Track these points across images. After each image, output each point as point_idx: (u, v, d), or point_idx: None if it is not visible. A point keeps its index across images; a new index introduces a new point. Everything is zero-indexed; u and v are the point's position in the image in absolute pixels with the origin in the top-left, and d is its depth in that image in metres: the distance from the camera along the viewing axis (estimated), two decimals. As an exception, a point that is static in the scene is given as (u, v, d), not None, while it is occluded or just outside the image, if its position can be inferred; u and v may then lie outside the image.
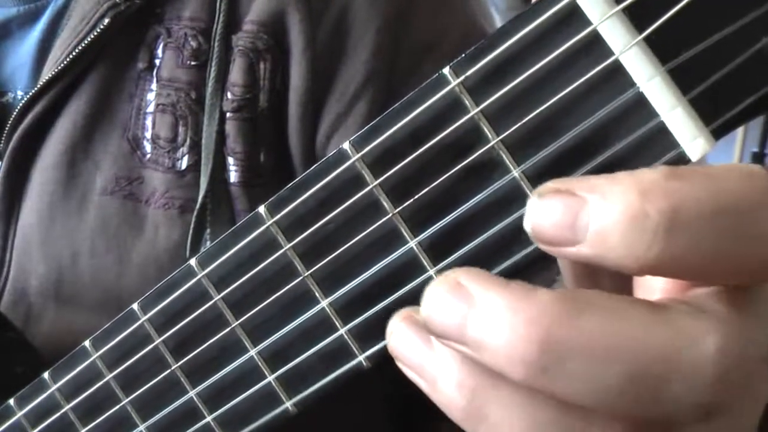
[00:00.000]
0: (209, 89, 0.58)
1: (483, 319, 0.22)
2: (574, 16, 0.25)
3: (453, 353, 0.24)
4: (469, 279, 0.23)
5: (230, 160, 0.58)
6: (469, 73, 0.27)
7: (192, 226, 0.58)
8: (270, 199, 0.31)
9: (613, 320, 0.22)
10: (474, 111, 0.27)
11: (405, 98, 0.28)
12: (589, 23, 0.25)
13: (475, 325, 0.22)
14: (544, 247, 0.23)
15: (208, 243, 0.58)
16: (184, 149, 0.59)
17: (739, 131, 2.73)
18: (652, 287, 0.27)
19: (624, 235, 0.22)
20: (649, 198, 0.22)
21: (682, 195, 0.22)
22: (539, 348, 0.22)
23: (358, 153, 0.29)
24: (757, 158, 2.82)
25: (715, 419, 0.23)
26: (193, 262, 0.33)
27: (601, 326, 0.22)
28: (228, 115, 0.58)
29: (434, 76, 0.27)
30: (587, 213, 0.22)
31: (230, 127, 0.58)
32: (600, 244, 0.22)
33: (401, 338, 0.26)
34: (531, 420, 0.23)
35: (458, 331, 0.23)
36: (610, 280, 0.29)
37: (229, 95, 0.58)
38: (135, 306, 0.35)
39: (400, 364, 0.26)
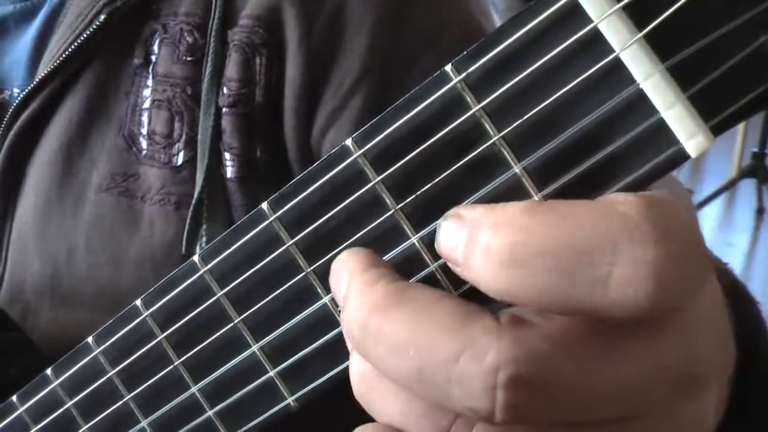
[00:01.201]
0: (205, 84, 0.58)
1: (346, 297, 0.27)
2: (575, 14, 0.25)
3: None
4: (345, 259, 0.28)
5: (226, 155, 0.59)
6: (470, 70, 0.27)
7: (188, 221, 0.58)
8: (273, 196, 0.31)
9: (416, 318, 0.25)
10: (476, 108, 0.27)
11: (407, 95, 0.28)
12: (589, 21, 0.25)
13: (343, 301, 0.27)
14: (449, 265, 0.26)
15: (204, 239, 0.58)
16: (180, 145, 0.59)
17: (739, 131, 2.74)
18: None
19: (477, 264, 0.24)
20: (498, 231, 0.24)
21: (526, 231, 0.23)
22: (359, 328, 0.26)
23: (360, 149, 0.29)
24: (757, 158, 2.84)
25: None
26: (195, 258, 0.33)
27: (405, 321, 0.25)
28: (224, 110, 0.58)
29: (436, 74, 0.27)
30: (462, 239, 0.25)
31: (226, 123, 0.58)
32: (467, 269, 0.25)
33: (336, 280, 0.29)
34: (403, 409, 0.26)
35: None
36: None
37: (225, 90, 0.58)
38: (138, 302, 0.35)
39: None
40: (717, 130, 0.25)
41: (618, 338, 0.24)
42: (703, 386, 0.26)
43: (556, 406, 0.24)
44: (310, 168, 0.30)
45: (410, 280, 0.29)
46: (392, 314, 0.25)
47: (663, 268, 0.22)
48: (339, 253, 0.30)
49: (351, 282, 0.27)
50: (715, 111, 0.25)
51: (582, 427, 0.25)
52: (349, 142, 0.29)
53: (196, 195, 0.58)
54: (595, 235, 0.23)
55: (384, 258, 0.30)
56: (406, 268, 0.29)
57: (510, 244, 0.23)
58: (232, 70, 0.58)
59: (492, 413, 0.23)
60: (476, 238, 0.24)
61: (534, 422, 0.24)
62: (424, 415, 0.26)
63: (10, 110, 0.61)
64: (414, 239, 0.29)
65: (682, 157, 0.25)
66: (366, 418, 0.28)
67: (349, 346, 0.28)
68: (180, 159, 0.59)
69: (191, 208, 0.58)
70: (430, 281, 0.29)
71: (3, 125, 0.62)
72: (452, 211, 0.26)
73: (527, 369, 0.23)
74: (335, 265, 0.28)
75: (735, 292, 0.34)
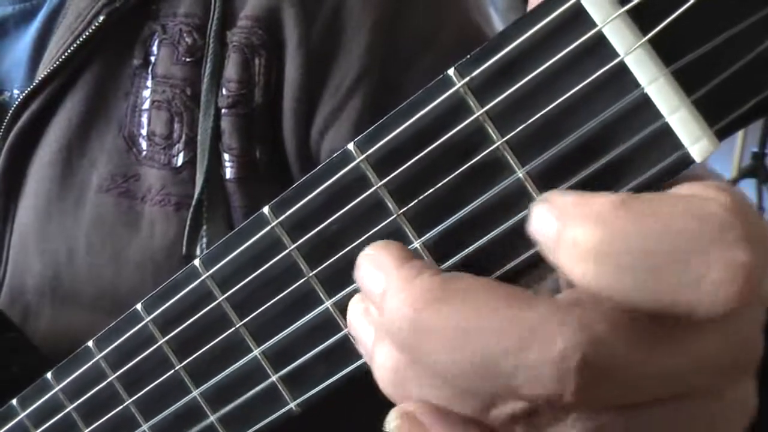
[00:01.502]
0: (204, 85, 0.58)
1: (386, 294, 0.25)
2: (579, 18, 0.25)
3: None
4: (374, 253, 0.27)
5: (226, 156, 0.58)
6: (474, 74, 0.27)
7: (188, 222, 0.58)
8: (274, 200, 0.31)
9: (470, 309, 0.24)
10: (479, 112, 0.27)
11: (409, 99, 0.28)
12: (594, 25, 0.25)
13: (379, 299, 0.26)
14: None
15: (205, 239, 0.58)
16: (180, 146, 0.59)
17: (740, 131, 2.73)
18: None
19: (568, 254, 0.23)
20: (589, 224, 0.23)
21: (619, 226, 0.23)
22: (408, 324, 0.25)
23: (362, 154, 0.29)
24: (757, 158, 2.83)
25: None
26: (197, 262, 0.33)
27: (459, 313, 0.24)
28: (223, 111, 0.58)
29: (439, 77, 0.27)
30: (552, 229, 0.24)
31: (225, 123, 0.58)
32: (560, 258, 0.24)
33: (351, 316, 0.29)
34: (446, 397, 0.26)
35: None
36: None
37: (224, 91, 0.58)
38: (138, 306, 0.35)
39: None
40: (722, 134, 0.25)
41: (677, 325, 0.24)
42: (749, 371, 0.26)
43: (621, 388, 0.24)
44: (311, 172, 0.30)
45: None
46: (444, 307, 0.24)
47: (754, 271, 0.22)
48: (341, 258, 0.30)
49: (389, 278, 0.26)
50: (719, 115, 0.25)
51: (639, 407, 0.25)
52: (351, 146, 0.29)
53: (195, 196, 0.58)
54: (688, 235, 0.23)
55: None
56: None
57: (599, 241, 0.23)
58: (231, 71, 0.57)
59: (561, 398, 0.23)
60: (564, 229, 0.24)
61: (601, 404, 0.24)
62: (468, 400, 0.26)
63: (10, 111, 0.61)
64: (416, 244, 0.29)
65: (686, 161, 0.25)
66: (370, 419, 0.28)
67: (364, 342, 0.28)
68: (180, 160, 0.59)
69: (191, 209, 0.58)
70: None
71: (3, 126, 0.62)
72: (543, 195, 0.25)
73: (596, 352, 0.23)
74: (363, 261, 0.27)
75: None
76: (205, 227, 0.58)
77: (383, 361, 0.27)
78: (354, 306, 0.29)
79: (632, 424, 0.25)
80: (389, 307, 0.25)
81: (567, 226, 0.24)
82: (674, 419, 0.25)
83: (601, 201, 0.23)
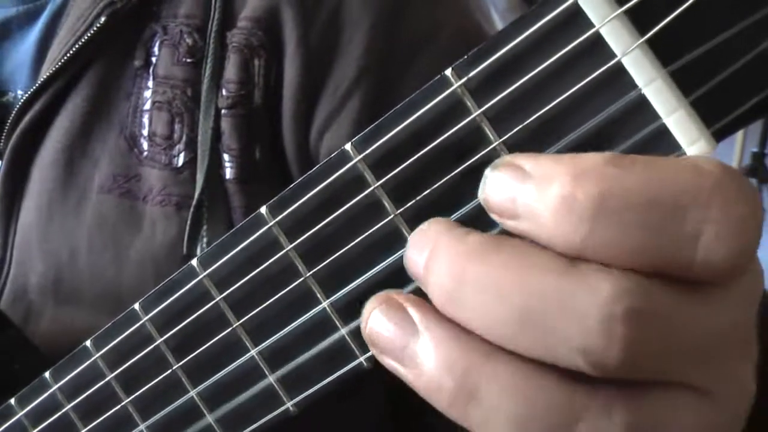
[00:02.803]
0: (205, 86, 0.58)
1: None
2: (577, 18, 0.25)
3: (441, 332, 0.25)
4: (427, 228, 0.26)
5: (225, 156, 0.58)
6: (471, 74, 0.27)
7: (189, 222, 0.58)
8: (271, 200, 0.31)
9: (520, 261, 0.24)
10: (476, 113, 0.27)
11: (407, 99, 0.28)
12: (591, 25, 0.25)
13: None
14: (493, 217, 0.25)
15: (205, 239, 0.58)
16: (181, 146, 0.59)
17: (739, 132, 2.73)
18: None
19: (553, 215, 0.23)
20: (582, 182, 0.22)
21: (615, 182, 0.22)
22: (454, 279, 0.24)
23: (360, 154, 0.29)
24: (757, 158, 2.83)
25: (665, 393, 0.24)
26: (194, 262, 0.33)
27: (508, 265, 0.24)
28: (223, 111, 0.58)
29: (436, 78, 0.27)
30: (528, 189, 0.23)
31: (225, 124, 0.58)
32: (533, 221, 0.23)
33: (381, 323, 0.27)
34: (527, 401, 0.24)
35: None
36: None
37: (223, 92, 0.58)
38: (136, 306, 0.35)
39: (376, 352, 0.27)
40: (719, 136, 0.25)
41: (696, 290, 0.24)
42: (751, 353, 0.26)
43: (667, 349, 0.23)
44: (309, 172, 0.30)
45: (410, 286, 0.29)
46: (493, 258, 0.24)
47: (749, 225, 0.22)
48: (338, 258, 0.30)
49: (438, 240, 0.25)
50: (717, 116, 0.25)
51: (670, 388, 0.24)
52: (348, 146, 0.29)
53: (196, 196, 0.58)
54: (687, 190, 0.22)
55: (383, 264, 0.29)
56: (406, 273, 0.29)
57: (597, 196, 0.22)
58: (231, 71, 0.58)
59: (607, 353, 0.22)
60: (548, 189, 0.23)
61: (646, 372, 0.23)
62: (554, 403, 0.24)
63: (14, 112, 0.61)
64: (414, 244, 0.29)
65: (684, 162, 0.25)
66: (368, 419, 0.28)
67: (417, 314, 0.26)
68: (180, 160, 0.59)
69: (191, 209, 0.58)
70: None
71: (7, 127, 0.62)
72: (505, 159, 0.25)
73: (644, 301, 0.22)
74: (416, 237, 0.26)
75: None
76: (205, 227, 0.58)
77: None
78: (384, 323, 0.27)
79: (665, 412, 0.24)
80: (436, 264, 0.25)
81: (553, 184, 0.23)
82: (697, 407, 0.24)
83: (592, 157, 0.23)
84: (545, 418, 0.24)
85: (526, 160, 0.24)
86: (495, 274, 0.24)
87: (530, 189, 0.23)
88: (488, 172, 0.25)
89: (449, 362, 0.25)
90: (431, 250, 0.25)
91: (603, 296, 0.22)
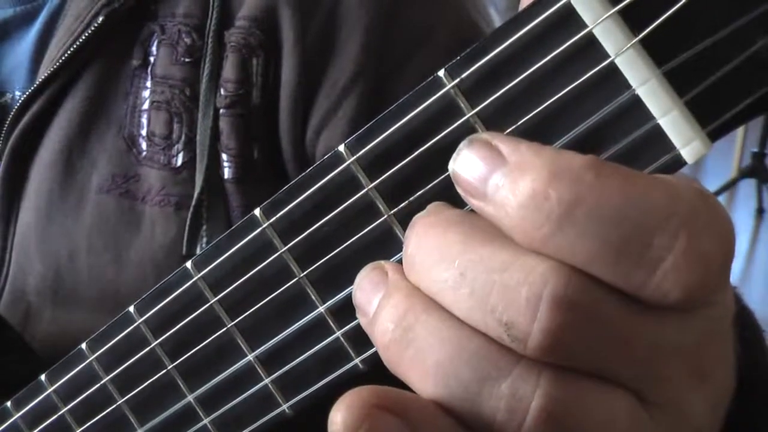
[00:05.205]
0: (203, 86, 0.58)
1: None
2: (570, 19, 0.25)
3: (400, 286, 0.26)
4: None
5: (224, 156, 0.58)
6: (464, 75, 0.26)
7: (188, 222, 0.58)
8: (265, 202, 0.31)
9: (465, 233, 0.24)
10: (469, 113, 0.27)
11: (400, 100, 0.28)
12: (584, 26, 0.25)
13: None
14: (459, 192, 0.25)
15: (205, 239, 0.58)
16: (179, 146, 0.59)
17: (739, 131, 2.74)
18: None
19: (520, 208, 0.23)
20: (557, 182, 0.22)
21: (590, 191, 0.22)
22: (413, 247, 0.25)
23: (353, 155, 0.29)
24: (757, 158, 2.83)
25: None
26: (189, 264, 0.33)
27: (454, 236, 0.24)
28: (221, 111, 0.58)
29: (429, 79, 0.27)
30: (501, 174, 0.23)
31: (224, 124, 0.58)
32: (500, 208, 0.23)
33: (363, 284, 0.27)
34: (454, 348, 0.24)
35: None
36: None
37: (222, 91, 0.58)
38: (131, 309, 0.35)
39: (358, 314, 0.28)
40: (714, 136, 0.25)
41: (649, 306, 0.23)
42: (707, 385, 0.25)
43: (597, 346, 0.23)
44: (302, 174, 0.30)
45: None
46: (453, 229, 0.25)
47: (713, 262, 0.22)
48: (332, 259, 0.30)
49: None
50: (712, 116, 0.24)
51: (604, 382, 0.24)
52: (342, 148, 0.29)
53: (195, 196, 0.58)
54: (658, 214, 0.22)
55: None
56: None
57: (567, 201, 0.22)
58: (229, 71, 0.57)
59: (528, 330, 0.22)
60: (520, 180, 0.23)
61: (579, 360, 0.23)
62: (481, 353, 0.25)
63: (12, 113, 0.61)
64: (408, 246, 0.29)
65: (678, 163, 0.25)
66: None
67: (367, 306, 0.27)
68: (179, 160, 0.59)
69: (191, 209, 0.58)
70: None
71: (5, 128, 0.62)
72: (482, 136, 0.24)
73: (573, 291, 0.22)
74: (469, 148, 0.25)
75: (742, 319, 0.33)
76: (204, 227, 0.58)
77: (383, 321, 0.26)
78: (365, 285, 0.28)
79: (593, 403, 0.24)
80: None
81: (527, 175, 0.23)
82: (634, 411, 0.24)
83: (572, 158, 0.23)
84: (469, 368, 0.24)
85: (504, 144, 0.24)
86: (444, 239, 0.24)
87: (502, 175, 0.23)
88: (463, 146, 0.25)
89: (394, 306, 0.26)
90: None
91: (535, 275, 0.23)
